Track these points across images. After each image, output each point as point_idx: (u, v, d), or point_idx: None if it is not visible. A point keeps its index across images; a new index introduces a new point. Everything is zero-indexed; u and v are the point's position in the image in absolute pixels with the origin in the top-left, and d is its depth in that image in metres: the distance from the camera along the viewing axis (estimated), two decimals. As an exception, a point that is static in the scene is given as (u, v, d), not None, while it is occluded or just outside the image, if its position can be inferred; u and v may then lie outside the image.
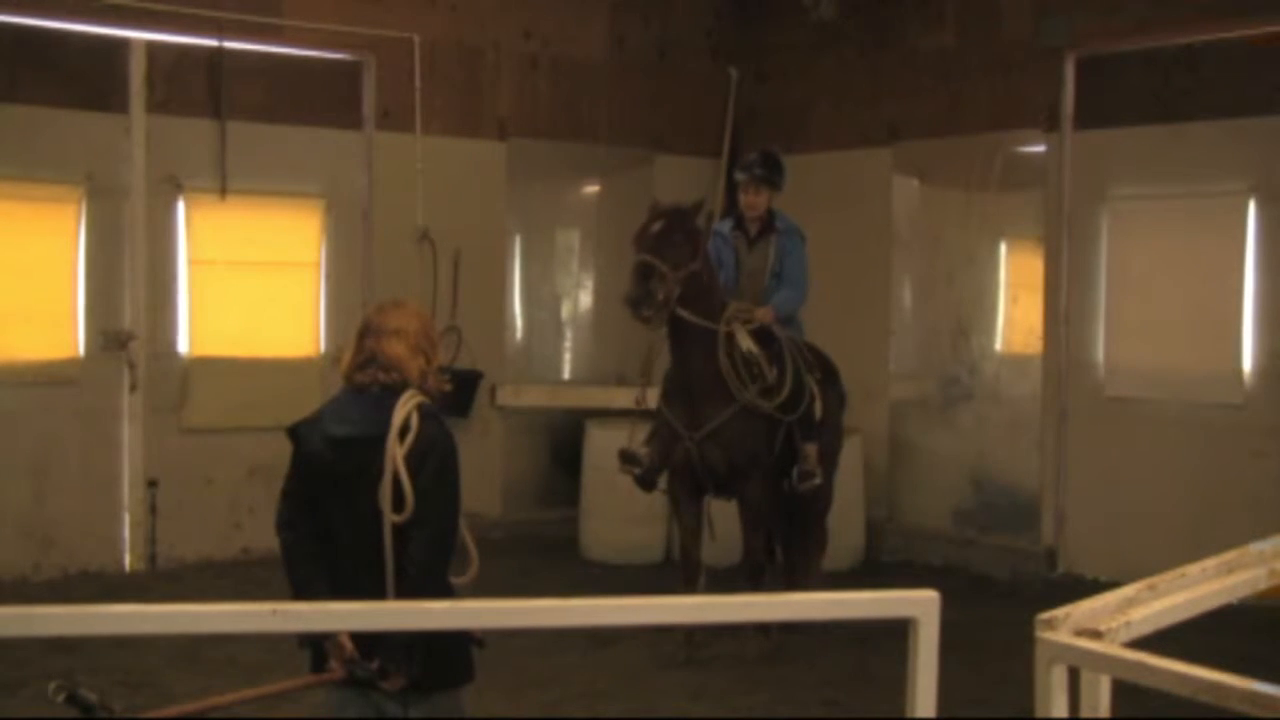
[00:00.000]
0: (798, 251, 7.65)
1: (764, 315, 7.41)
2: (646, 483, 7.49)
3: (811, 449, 7.39)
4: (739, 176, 7.77)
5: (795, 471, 7.32)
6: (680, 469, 7.30)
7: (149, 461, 9.11)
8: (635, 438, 7.53)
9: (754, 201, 7.61)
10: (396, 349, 4.01)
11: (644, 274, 6.86)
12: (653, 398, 7.52)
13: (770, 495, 7.45)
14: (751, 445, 7.22)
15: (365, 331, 4.08)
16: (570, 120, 10.84)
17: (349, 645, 3.85)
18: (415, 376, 4.02)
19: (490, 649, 4.13)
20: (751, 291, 7.57)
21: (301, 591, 3.96)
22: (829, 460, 7.77)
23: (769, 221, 7.67)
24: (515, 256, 10.93)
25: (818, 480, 7.40)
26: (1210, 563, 2.81)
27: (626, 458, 7.46)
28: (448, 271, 10.06)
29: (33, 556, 8.75)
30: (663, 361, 7.51)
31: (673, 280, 6.88)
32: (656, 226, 7.00)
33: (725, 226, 7.80)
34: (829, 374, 7.88)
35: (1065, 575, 9.21)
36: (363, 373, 4.02)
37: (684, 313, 7.00)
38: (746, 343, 7.24)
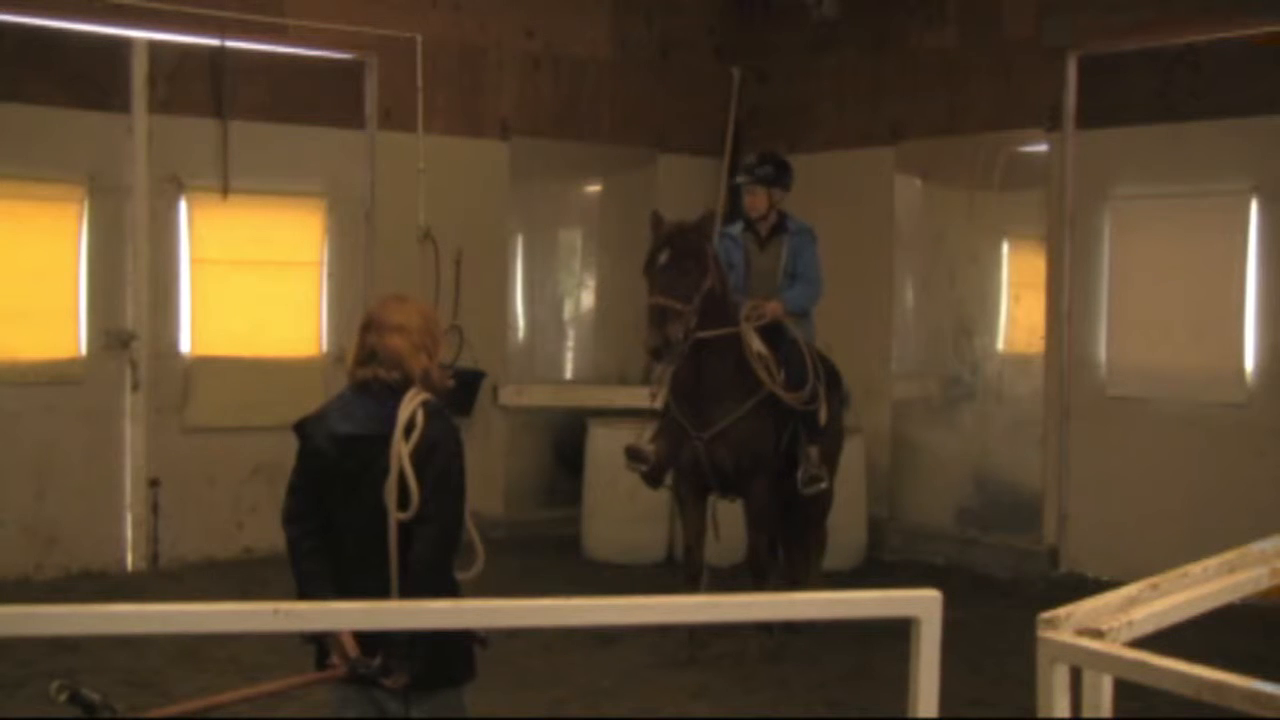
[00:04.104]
0: (810, 250, 7.65)
1: (774, 309, 7.41)
2: (653, 480, 7.51)
3: (815, 451, 7.39)
4: (740, 179, 7.78)
5: (800, 475, 7.31)
6: (687, 468, 7.30)
7: (151, 461, 9.11)
8: (643, 435, 7.54)
9: (754, 203, 7.62)
10: (398, 344, 4.00)
11: (660, 318, 6.78)
12: (662, 396, 7.54)
13: (774, 496, 7.45)
14: (758, 446, 7.22)
15: (367, 327, 4.07)
16: (572, 119, 10.84)
17: (351, 643, 3.85)
18: (416, 373, 4.01)
19: (492, 648, 4.13)
20: (763, 292, 7.55)
21: (306, 586, 3.97)
22: (830, 462, 7.77)
23: (780, 222, 7.67)
24: (517, 256, 10.93)
25: (825, 484, 7.40)
26: (1212, 562, 2.82)
27: (633, 454, 7.47)
28: (450, 271, 10.06)
29: (35, 556, 8.76)
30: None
31: (689, 313, 6.83)
32: (664, 258, 6.90)
33: (736, 229, 7.79)
34: (832, 378, 7.87)
35: (1067, 574, 9.20)
36: (364, 368, 4.01)
37: (703, 334, 6.98)
38: (756, 344, 7.25)
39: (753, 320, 7.30)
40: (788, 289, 7.57)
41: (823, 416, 7.47)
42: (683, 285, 6.84)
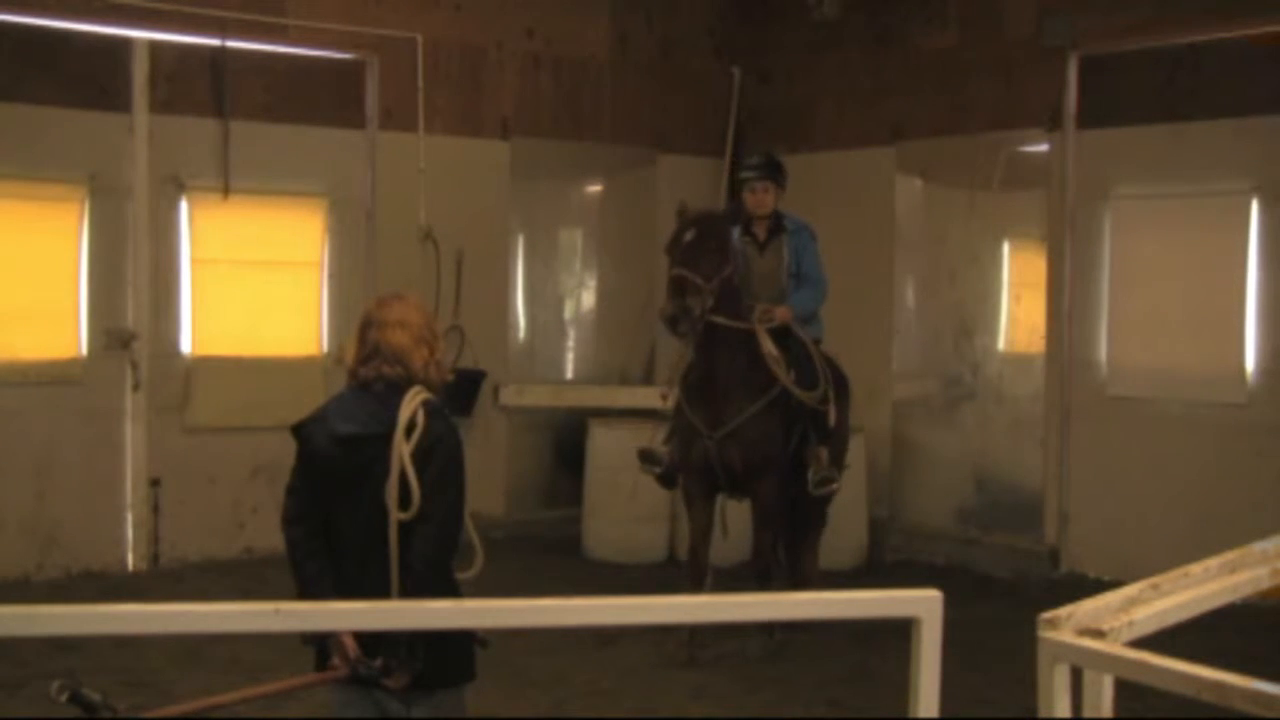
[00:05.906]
0: (811, 249, 7.67)
1: (783, 315, 7.43)
2: (667, 481, 7.53)
3: (823, 452, 7.40)
4: (745, 175, 7.77)
5: (811, 476, 7.31)
6: (697, 468, 7.30)
7: (152, 461, 9.11)
8: (655, 437, 7.54)
9: (761, 200, 7.62)
10: (400, 339, 4.00)
11: (679, 289, 6.83)
12: (673, 398, 7.54)
13: (783, 496, 7.45)
14: (768, 446, 7.24)
15: (368, 324, 4.08)
16: (573, 119, 10.84)
17: (352, 644, 3.85)
18: (419, 367, 4.01)
19: (493, 648, 4.13)
20: (766, 295, 7.54)
21: (307, 587, 3.97)
22: (837, 464, 7.77)
23: (777, 222, 7.68)
24: (518, 256, 10.93)
25: (836, 486, 7.43)
26: (1213, 562, 2.81)
27: (646, 457, 7.48)
28: (451, 271, 10.06)
29: (35, 556, 8.76)
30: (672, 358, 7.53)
31: (707, 292, 6.88)
32: (689, 236, 6.98)
33: (733, 233, 7.80)
34: (839, 381, 7.87)
35: (1068, 574, 9.20)
36: (367, 366, 4.01)
37: (718, 319, 7.01)
38: (767, 345, 7.26)
39: (764, 323, 7.32)
40: (794, 292, 7.57)
41: (832, 418, 7.48)
42: (706, 263, 6.91)
